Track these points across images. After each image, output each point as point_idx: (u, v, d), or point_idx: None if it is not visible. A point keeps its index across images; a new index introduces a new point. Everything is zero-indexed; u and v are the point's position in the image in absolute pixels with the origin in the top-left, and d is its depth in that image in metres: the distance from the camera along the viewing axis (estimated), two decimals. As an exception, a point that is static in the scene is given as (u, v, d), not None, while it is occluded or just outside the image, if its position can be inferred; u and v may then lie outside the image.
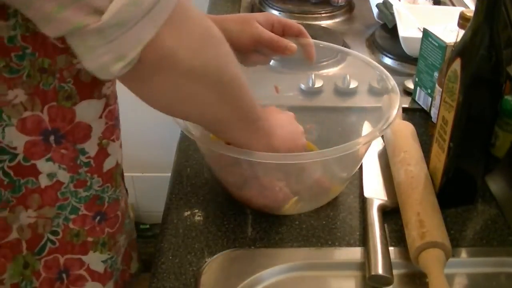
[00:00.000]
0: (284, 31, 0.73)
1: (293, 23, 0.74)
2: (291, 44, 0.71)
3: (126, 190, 0.73)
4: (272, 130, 0.61)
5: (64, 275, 0.63)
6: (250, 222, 0.68)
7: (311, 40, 0.74)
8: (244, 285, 0.59)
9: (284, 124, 0.65)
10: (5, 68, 0.51)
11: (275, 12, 1.27)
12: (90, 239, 0.64)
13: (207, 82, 0.51)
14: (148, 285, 0.60)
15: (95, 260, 0.65)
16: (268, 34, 0.71)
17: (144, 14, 0.43)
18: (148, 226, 1.75)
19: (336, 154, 0.60)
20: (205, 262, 0.62)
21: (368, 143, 0.65)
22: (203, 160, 0.78)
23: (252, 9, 1.31)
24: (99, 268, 0.66)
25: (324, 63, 0.89)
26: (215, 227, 0.67)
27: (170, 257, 0.63)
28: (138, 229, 1.72)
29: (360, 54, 0.81)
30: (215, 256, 0.63)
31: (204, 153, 0.70)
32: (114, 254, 0.67)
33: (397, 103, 0.66)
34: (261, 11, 1.29)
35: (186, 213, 0.69)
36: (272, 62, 0.79)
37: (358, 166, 0.72)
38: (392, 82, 0.71)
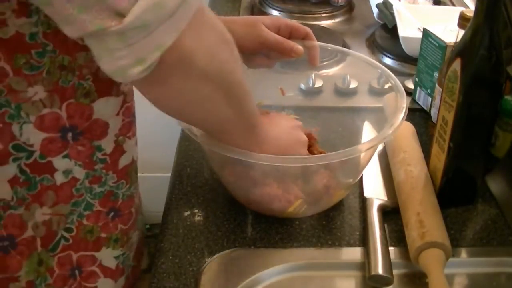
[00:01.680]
0: (291, 34, 0.73)
1: (300, 26, 0.74)
2: (297, 47, 0.71)
3: None
4: (267, 139, 0.62)
5: (76, 272, 0.63)
6: (250, 222, 0.68)
7: (317, 43, 0.74)
8: (244, 285, 0.59)
9: (282, 134, 0.65)
10: (25, 64, 0.51)
11: (275, 12, 1.27)
12: (103, 235, 0.64)
13: (219, 85, 0.52)
14: (148, 285, 0.60)
15: (107, 256, 0.65)
16: (273, 37, 0.70)
17: (167, 17, 0.43)
18: (148, 226, 1.76)
19: (340, 158, 0.60)
20: (205, 262, 0.62)
21: (375, 147, 0.65)
22: (203, 160, 0.78)
23: (252, 9, 1.31)
24: (111, 264, 0.66)
25: (324, 63, 0.89)
26: (215, 227, 0.67)
27: (170, 257, 0.63)
28: (138, 229, 1.72)
29: (371, 59, 0.80)
30: (215, 256, 0.63)
31: (207, 154, 0.70)
32: (127, 251, 0.67)
33: (404, 105, 0.65)
34: (261, 11, 1.29)
35: (186, 213, 0.69)
36: (272, 62, 0.79)
37: (364, 170, 0.72)
38: (397, 84, 0.70)
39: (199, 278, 0.60)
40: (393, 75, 0.72)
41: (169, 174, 0.77)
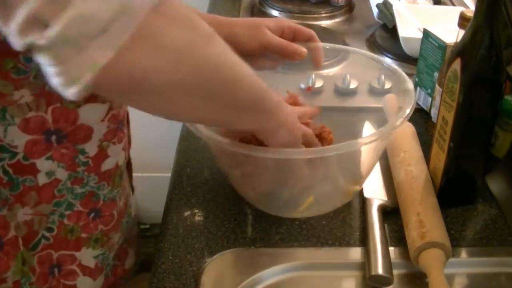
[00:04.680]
0: (295, 37, 0.72)
1: (304, 28, 0.73)
2: (301, 49, 0.70)
3: (133, 189, 0.73)
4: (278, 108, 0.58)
5: (56, 270, 0.64)
6: (250, 222, 0.68)
7: (320, 44, 0.74)
8: (244, 285, 0.59)
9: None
10: (13, 69, 0.51)
11: (275, 12, 1.27)
12: (83, 235, 0.64)
13: (194, 92, 0.46)
14: (148, 285, 0.60)
15: (87, 256, 0.66)
16: (277, 40, 0.70)
17: (98, 32, 0.37)
18: (148, 226, 1.75)
19: (342, 150, 0.60)
20: (205, 262, 0.62)
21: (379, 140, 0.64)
22: (203, 160, 0.78)
23: (252, 9, 1.31)
24: (90, 263, 0.66)
25: (325, 63, 0.89)
26: (215, 227, 0.67)
27: (170, 257, 0.63)
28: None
29: (386, 60, 0.79)
30: (215, 256, 0.63)
31: (216, 153, 0.69)
32: (106, 250, 0.68)
33: (413, 100, 0.64)
34: (261, 11, 1.29)
35: (186, 213, 0.69)
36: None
37: (374, 165, 0.71)
38: (408, 82, 0.69)
39: (199, 278, 0.60)
40: (406, 76, 0.71)
41: (169, 174, 0.77)
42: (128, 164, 0.74)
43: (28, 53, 0.39)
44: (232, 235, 0.66)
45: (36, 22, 0.37)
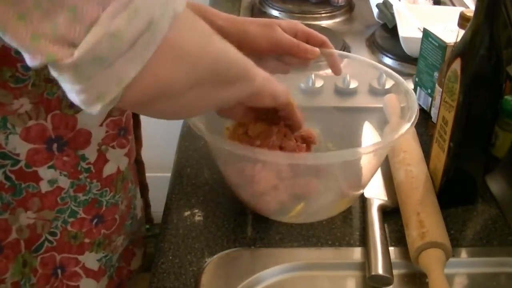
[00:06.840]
0: (308, 41, 0.71)
1: (317, 33, 0.72)
2: (313, 48, 0.69)
3: (147, 188, 0.75)
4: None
5: (59, 271, 0.64)
6: (250, 222, 0.68)
7: (335, 51, 0.73)
8: (244, 285, 0.59)
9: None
10: (11, 78, 0.52)
11: (275, 13, 1.27)
12: (87, 240, 0.64)
13: (203, 86, 0.46)
14: (148, 285, 0.60)
15: (91, 259, 0.66)
16: (288, 38, 0.69)
17: (127, 48, 0.37)
18: (148, 226, 1.76)
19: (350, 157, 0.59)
20: (205, 262, 0.62)
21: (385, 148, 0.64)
22: (203, 160, 0.78)
23: (252, 9, 1.31)
24: (94, 266, 0.67)
25: (324, 62, 0.89)
26: (215, 227, 0.67)
27: (170, 257, 0.63)
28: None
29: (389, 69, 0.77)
30: (215, 256, 0.63)
31: (216, 155, 0.69)
32: (109, 253, 0.68)
33: (415, 110, 0.63)
34: (261, 11, 1.29)
35: (186, 213, 0.69)
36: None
37: (374, 174, 0.70)
38: (407, 88, 0.69)
39: (199, 278, 0.60)
40: (404, 81, 0.71)
41: (169, 174, 0.77)
42: (140, 165, 0.74)
43: (43, 70, 0.38)
44: (232, 235, 0.66)
45: (61, 42, 0.36)
